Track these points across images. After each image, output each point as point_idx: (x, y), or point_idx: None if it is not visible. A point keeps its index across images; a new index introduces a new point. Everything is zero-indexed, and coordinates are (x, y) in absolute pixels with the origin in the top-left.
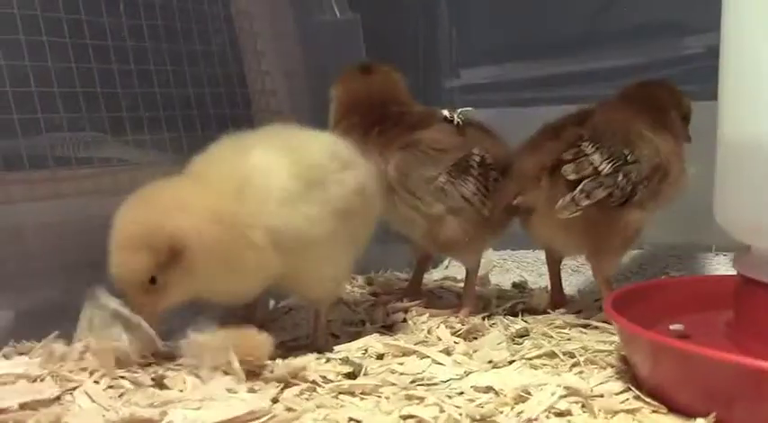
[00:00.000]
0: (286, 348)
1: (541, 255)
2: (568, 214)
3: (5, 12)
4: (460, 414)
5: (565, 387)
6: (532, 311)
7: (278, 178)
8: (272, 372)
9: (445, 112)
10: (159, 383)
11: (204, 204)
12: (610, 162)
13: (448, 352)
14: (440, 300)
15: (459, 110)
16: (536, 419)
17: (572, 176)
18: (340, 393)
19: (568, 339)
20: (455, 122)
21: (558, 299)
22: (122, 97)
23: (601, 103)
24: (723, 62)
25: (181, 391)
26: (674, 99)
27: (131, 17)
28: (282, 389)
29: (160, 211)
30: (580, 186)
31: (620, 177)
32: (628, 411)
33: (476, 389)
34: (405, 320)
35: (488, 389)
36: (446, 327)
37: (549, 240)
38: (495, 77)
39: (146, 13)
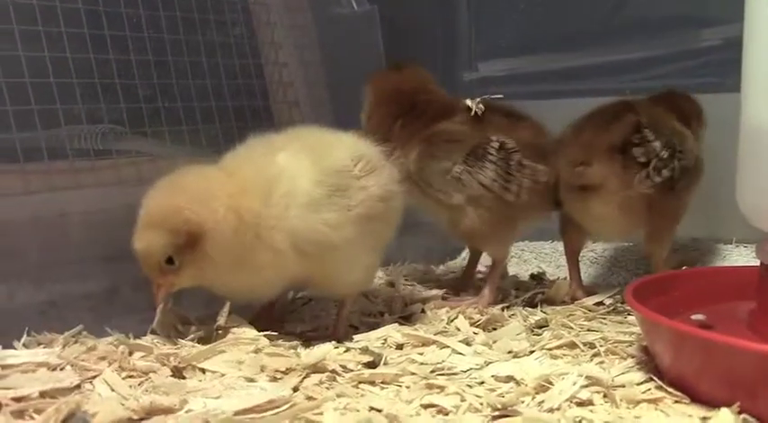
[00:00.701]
0: (305, 339)
1: (559, 246)
2: (644, 189)
3: (24, 3)
4: (481, 403)
5: (586, 377)
6: (551, 302)
7: (302, 184)
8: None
9: (468, 102)
10: (179, 373)
11: (228, 195)
12: (666, 149)
13: (467, 342)
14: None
15: (478, 99)
16: (558, 409)
17: (642, 159)
18: (360, 382)
19: (588, 330)
20: (473, 112)
21: (577, 290)
22: (140, 88)
23: (636, 100)
24: (746, 48)
25: (200, 380)
26: (697, 111)
27: (149, 8)
28: (303, 378)
29: (184, 196)
30: (652, 164)
31: (675, 162)
32: (650, 401)
33: (496, 378)
34: (423, 311)
35: (509, 378)
36: (465, 317)
37: (604, 219)
38: (512, 70)
39: (164, 4)
